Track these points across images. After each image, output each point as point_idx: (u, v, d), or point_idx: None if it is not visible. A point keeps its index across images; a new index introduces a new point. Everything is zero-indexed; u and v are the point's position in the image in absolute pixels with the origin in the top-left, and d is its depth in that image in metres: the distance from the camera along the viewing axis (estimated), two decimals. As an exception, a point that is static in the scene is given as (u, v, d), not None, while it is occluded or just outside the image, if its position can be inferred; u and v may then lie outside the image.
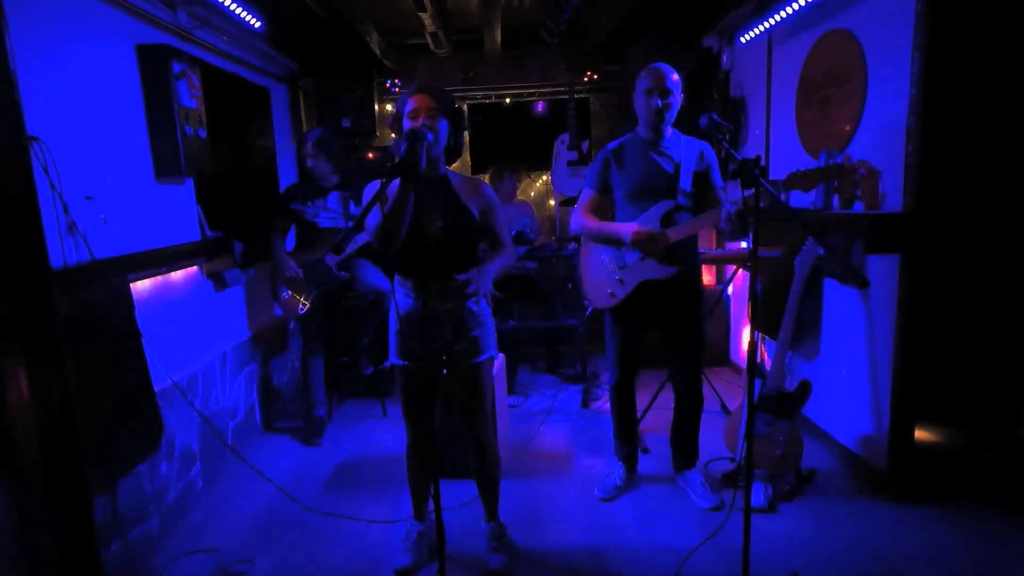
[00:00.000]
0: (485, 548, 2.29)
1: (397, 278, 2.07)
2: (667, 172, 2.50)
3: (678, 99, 2.46)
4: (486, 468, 2.27)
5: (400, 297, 2.08)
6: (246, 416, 3.41)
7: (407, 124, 1.94)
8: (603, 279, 2.62)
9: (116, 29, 2.46)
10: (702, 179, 2.51)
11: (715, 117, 1.94)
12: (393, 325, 2.12)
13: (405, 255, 2.01)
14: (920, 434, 2.64)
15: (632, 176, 2.54)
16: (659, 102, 2.40)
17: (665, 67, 2.45)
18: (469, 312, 2.08)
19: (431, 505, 2.41)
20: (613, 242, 2.54)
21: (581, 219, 2.63)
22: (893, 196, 2.54)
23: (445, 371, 2.15)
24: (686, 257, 2.53)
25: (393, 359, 2.13)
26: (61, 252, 1.93)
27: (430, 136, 1.90)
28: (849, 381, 2.90)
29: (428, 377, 2.13)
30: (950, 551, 2.28)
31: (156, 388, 2.46)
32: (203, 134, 2.83)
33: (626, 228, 2.46)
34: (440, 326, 2.05)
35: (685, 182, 2.48)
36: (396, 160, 1.68)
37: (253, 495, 2.82)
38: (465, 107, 5.11)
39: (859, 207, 2.73)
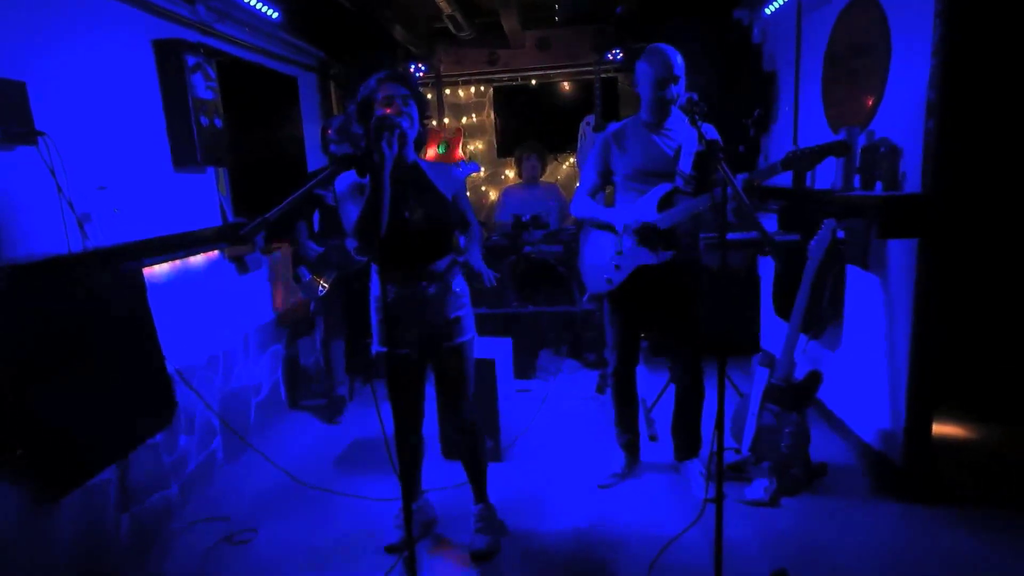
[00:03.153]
0: (472, 529, 2.33)
1: (374, 266, 2.11)
2: (667, 155, 2.43)
3: (682, 82, 2.37)
4: (472, 450, 2.29)
5: (379, 284, 2.11)
6: (271, 393, 3.58)
7: (379, 112, 1.95)
8: (600, 265, 2.58)
9: (134, 26, 2.59)
10: (706, 162, 2.41)
11: (694, 97, 1.86)
12: (375, 313, 2.16)
13: (383, 244, 2.04)
14: (940, 429, 2.48)
15: (632, 158, 2.48)
16: (661, 92, 2.33)
17: (668, 50, 2.36)
18: (451, 295, 2.10)
19: (424, 484, 2.50)
20: (608, 228, 2.50)
21: (581, 203, 2.59)
22: (914, 176, 2.37)
23: (427, 355, 2.19)
24: (684, 242, 2.45)
25: (376, 346, 2.18)
26: (66, 239, 2.07)
27: (404, 123, 1.91)
28: (868, 371, 2.75)
29: (411, 362, 2.17)
30: (965, 557, 2.14)
31: (178, 366, 2.62)
32: (219, 124, 2.95)
33: (619, 220, 2.42)
34: (419, 312, 2.08)
35: (685, 165, 2.40)
36: (358, 152, 1.69)
37: (269, 469, 2.96)
38: (491, 90, 5.10)
39: (880, 188, 2.56)
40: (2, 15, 1.94)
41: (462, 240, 2.21)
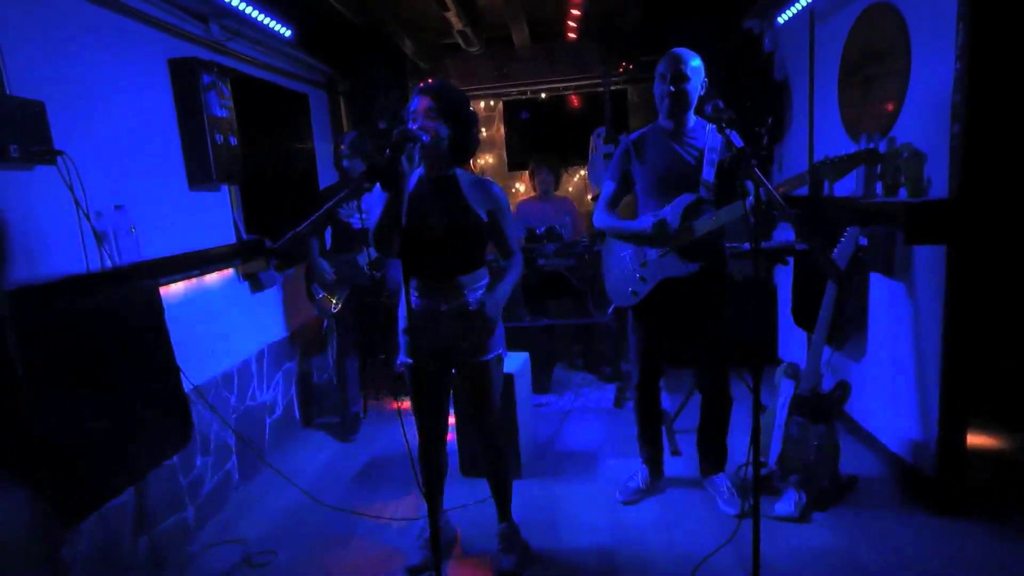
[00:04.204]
0: (497, 548, 2.28)
1: (401, 277, 2.08)
2: (689, 163, 2.40)
3: (696, 85, 2.34)
4: (496, 468, 2.25)
5: (404, 295, 2.09)
6: (285, 412, 3.54)
7: (410, 126, 1.94)
8: (624, 277, 2.54)
9: (151, 46, 2.59)
10: (729, 170, 2.38)
11: (719, 104, 1.83)
12: (402, 323, 2.13)
13: (410, 254, 2.01)
14: (975, 439, 2.42)
15: (653, 168, 2.45)
16: (671, 88, 2.30)
17: (684, 51, 2.34)
18: (474, 311, 2.07)
19: (446, 503, 2.45)
20: (634, 238, 2.46)
21: (602, 214, 2.56)
22: (939, 181, 2.33)
23: (454, 370, 2.16)
24: (710, 252, 2.41)
25: (402, 357, 2.15)
26: (84, 257, 2.06)
27: (424, 137, 1.90)
28: (896, 381, 2.69)
29: (435, 376, 2.14)
30: (1001, 571, 2.07)
31: (193, 385, 2.58)
32: (234, 142, 2.94)
33: (645, 224, 2.38)
34: (445, 325, 2.05)
35: (708, 174, 2.36)
36: (377, 163, 1.68)
37: (284, 489, 2.91)
38: (501, 104, 5.10)
39: (904, 194, 2.52)
40: (22, 36, 1.94)
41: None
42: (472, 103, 5.24)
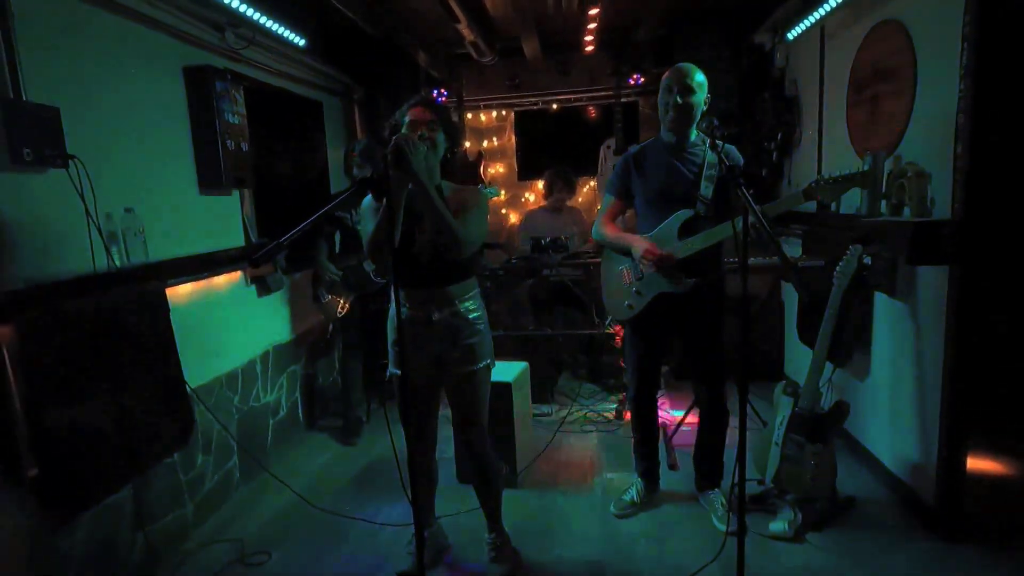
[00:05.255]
0: (486, 557, 2.29)
1: (391, 287, 2.11)
2: (688, 179, 2.40)
3: (700, 99, 2.34)
4: (485, 477, 2.25)
5: (396, 306, 2.11)
6: (288, 414, 3.59)
7: None
8: (621, 290, 2.55)
9: (167, 54, 2.66)
10: (727, 187, 2.38)
11: (715, 121, 1.84)
12: (391, 334, 2.16)
13: (397, 265, 2.04)
14: (976, 464, 2.38)
15: (651, 182, 2.46)
16: (678, 99, 2.31)
17: (689, 66, 2.34)
18: (463, 321, 2.09)
19: (440, 508, 2.46)
20: (628, 253, 2.47)
21: (601, 226, 2.57)
22: (943, 202, 2.31)
23: (439, 380, 2.17)
24: (707, 267, 2.41)
25: (392, 368, 2.17)
26: (91, 258, 2.12)
27: (422, 148, 1.92)
28: (898, 402, 2.66)
29: (424, 385, 2.16)
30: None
31: (197, 384, 2.63)
32: (245, 148, 3.01)
33: (639, 243, 2.39)
34: (433, 335, 2.07)
35: (707, 190, 2.37)
36: (372, 173, 1.70)
37: (284, 490, 2.94)
38: (512, 114, 5.14)
39: (908, 214, 2.50)
40: (40, 43, 2.01)
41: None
42: (485, 112, 5.31)
